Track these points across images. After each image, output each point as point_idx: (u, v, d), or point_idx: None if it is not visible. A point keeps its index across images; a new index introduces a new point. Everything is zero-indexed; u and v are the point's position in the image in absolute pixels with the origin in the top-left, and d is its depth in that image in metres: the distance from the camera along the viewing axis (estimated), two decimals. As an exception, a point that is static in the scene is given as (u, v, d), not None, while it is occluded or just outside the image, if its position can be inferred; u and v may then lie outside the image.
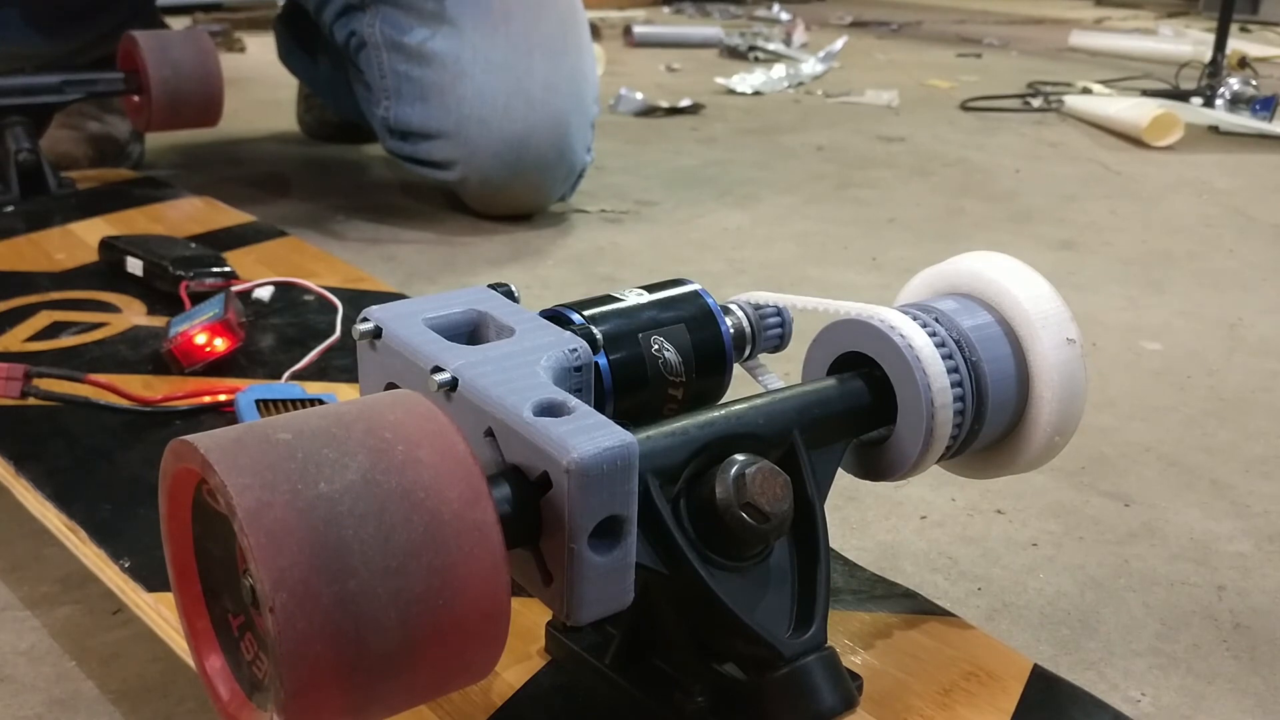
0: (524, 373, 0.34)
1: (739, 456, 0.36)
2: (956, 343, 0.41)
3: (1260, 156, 1.67)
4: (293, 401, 0.59)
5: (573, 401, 0.33)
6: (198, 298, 0.72)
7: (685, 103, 1.85)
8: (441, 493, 0.28)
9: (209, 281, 0.74)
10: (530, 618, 0.42)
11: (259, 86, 1.85)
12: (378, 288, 0.82)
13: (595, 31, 2.28)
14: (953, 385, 0.40)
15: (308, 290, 0.75)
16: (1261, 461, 0.73)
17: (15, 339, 0.70)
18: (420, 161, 1.14)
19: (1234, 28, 2.21)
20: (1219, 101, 1.89)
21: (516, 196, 1.16)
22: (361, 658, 0.27)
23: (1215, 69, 1.95)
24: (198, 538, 0.32)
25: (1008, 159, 1.58)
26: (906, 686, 0.41)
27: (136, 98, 1.07)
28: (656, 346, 0.40)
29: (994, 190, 1.42)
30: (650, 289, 0.42)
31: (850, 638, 0.43)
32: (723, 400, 0.41)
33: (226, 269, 0.78)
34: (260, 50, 2.26)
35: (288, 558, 0.26)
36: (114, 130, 1.22)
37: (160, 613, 0.44)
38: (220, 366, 0.66)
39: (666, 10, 3.39)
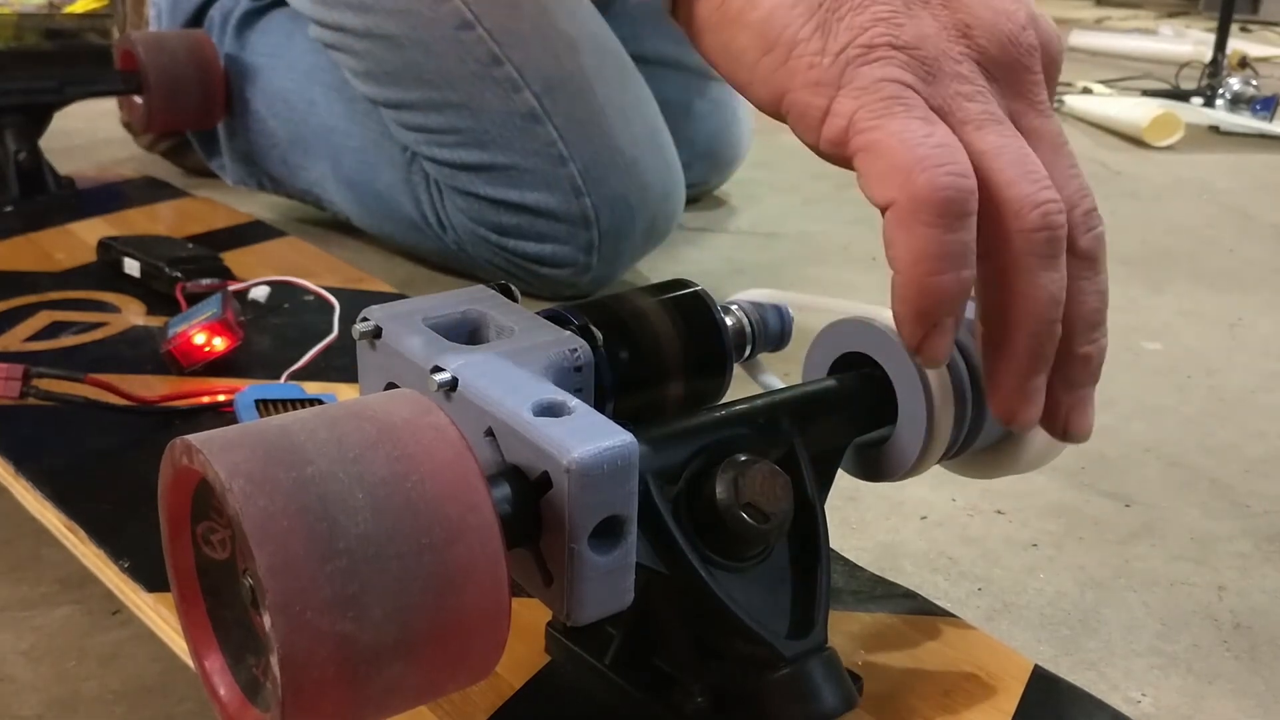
0: (524, 373, 0.34)
1: (739, 456, 0.36)
2: (956, 342, 0.41)
3: (1260, 156, 1.67)
4: (292, 401, 0.59)
5: (573, 401, 0.33)
6: (194, 299, 0.72)
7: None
8: (441, 492, 0.28)
9: (205, 282, 0.74)
10: (530, 618, 0.42)
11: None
12: (378, 288, 0.82)
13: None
14: (953, 385, 0.40)
15: (306, 290, 0.75)
16: (1261, 461, 0.73)
17: (15, 339, 0.70)
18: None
19: (1234, 28, 2.21)
20: (1219, 101, 1.89)
21: None
22: (360, 657, 0.27)
23: (1215, 69, 1.95)
24: (197, 539, 0.32)
25: (1008, 159, 1.58)
26: (906, 687, 0.41)
27: (137, 98, 1.07)
28: (656, 347, 0.40)
29: (994, 190, 1.41)
30: (650, 289, 0.42)
31: (850, 638, 0.43)
32: (723, 400, 0.41)
33: (222, 269, 0.78)
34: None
35: (285, 553, 0.26)
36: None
37: (160, 613, 0.44)
38: (219, 366, 0.66)
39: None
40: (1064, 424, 0.39)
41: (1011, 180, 0.35)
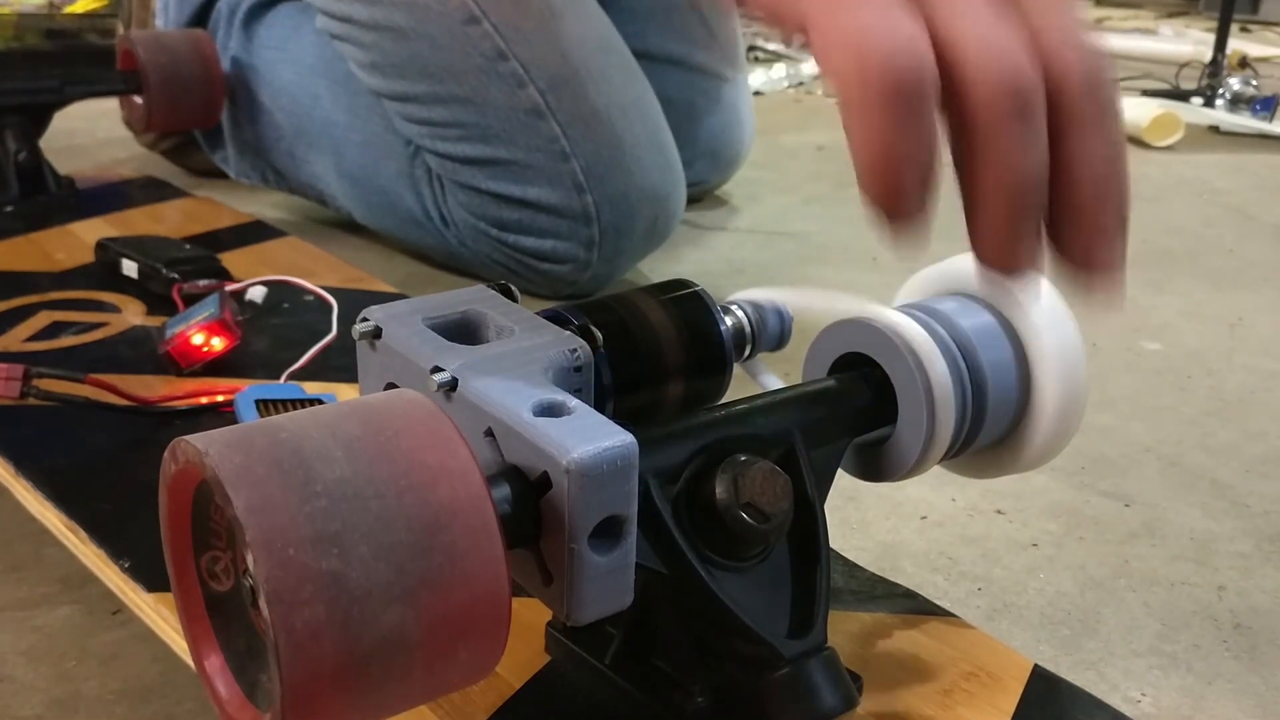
0: (524, 373, 0.34)
1: (739, 456, 0.36)
2: (957, 342, 0.41)
3: (1260, 156, 1.67)
4: (292, 401, 0.59)
5: (573, 401, 0.33)
6: (191, 299, 0.72)
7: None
8: (441, 493, 0.28)
9: (202, 283, 0.74)
10: (530, 618, 0.42)
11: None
12: (378, 288, 0.82)
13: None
14: (953, 385, 0.40)
15: (305, 290, 0.75)
16: (1261, 461, 0.73)
17: (15, 339, 0.70)
18: None
19: (1234, 28, 2.21)
20: (1219, 101, 1.89)
21: None
22: (360, 657, 0.27)
23: (1215, 69, 1.95)
24: (201, 571, 0.32)
25: (1008, 159, 1.58)
26: (906, 686, 0.41)
27: (137, 98, 1.07)
28: (656, 347, 0.40)
29: (994, 190, 1.41)
30: (650, 289, 0.42)
31: (850, 638, 0.43)
32: (723, 400, 0.41)
33: (220, 270, 0.78)
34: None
35: (263, 495, 0.27)
36: None
37: (160, 613, 0.44)
38: (219, 366, 0.66)
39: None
40: (1085, 257, 0.34)
41: (978, 44, 0.32)
